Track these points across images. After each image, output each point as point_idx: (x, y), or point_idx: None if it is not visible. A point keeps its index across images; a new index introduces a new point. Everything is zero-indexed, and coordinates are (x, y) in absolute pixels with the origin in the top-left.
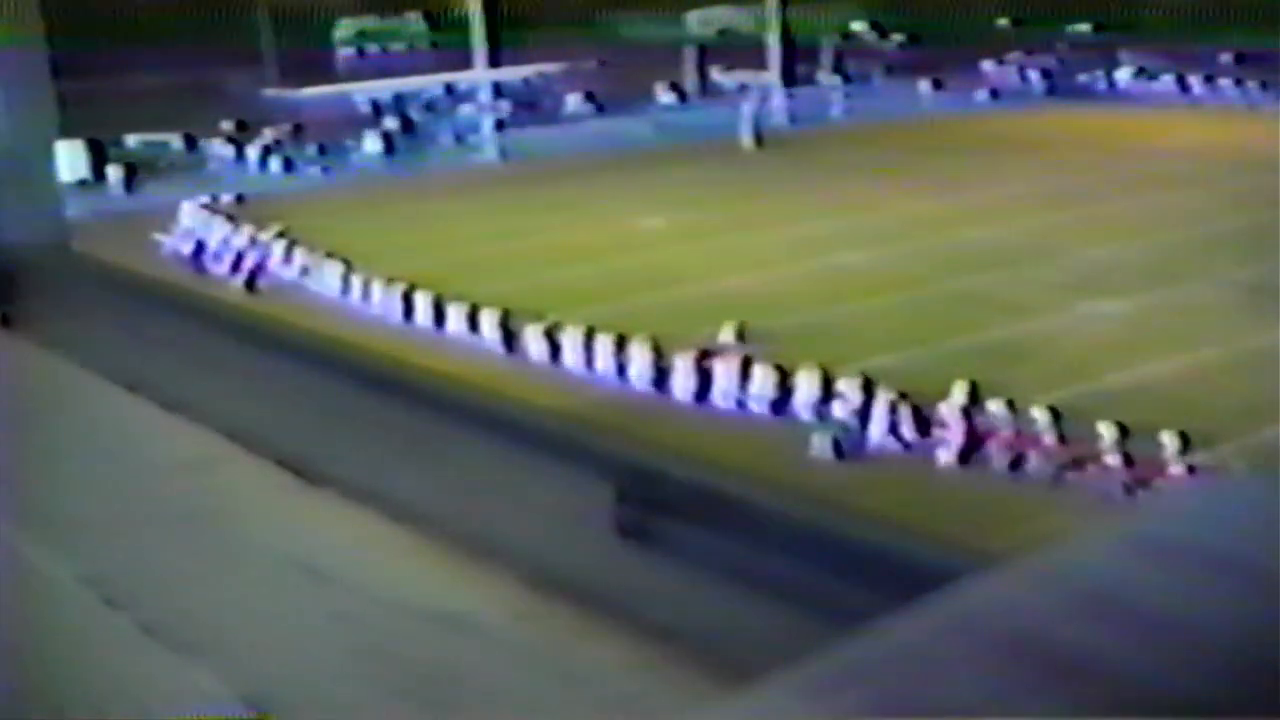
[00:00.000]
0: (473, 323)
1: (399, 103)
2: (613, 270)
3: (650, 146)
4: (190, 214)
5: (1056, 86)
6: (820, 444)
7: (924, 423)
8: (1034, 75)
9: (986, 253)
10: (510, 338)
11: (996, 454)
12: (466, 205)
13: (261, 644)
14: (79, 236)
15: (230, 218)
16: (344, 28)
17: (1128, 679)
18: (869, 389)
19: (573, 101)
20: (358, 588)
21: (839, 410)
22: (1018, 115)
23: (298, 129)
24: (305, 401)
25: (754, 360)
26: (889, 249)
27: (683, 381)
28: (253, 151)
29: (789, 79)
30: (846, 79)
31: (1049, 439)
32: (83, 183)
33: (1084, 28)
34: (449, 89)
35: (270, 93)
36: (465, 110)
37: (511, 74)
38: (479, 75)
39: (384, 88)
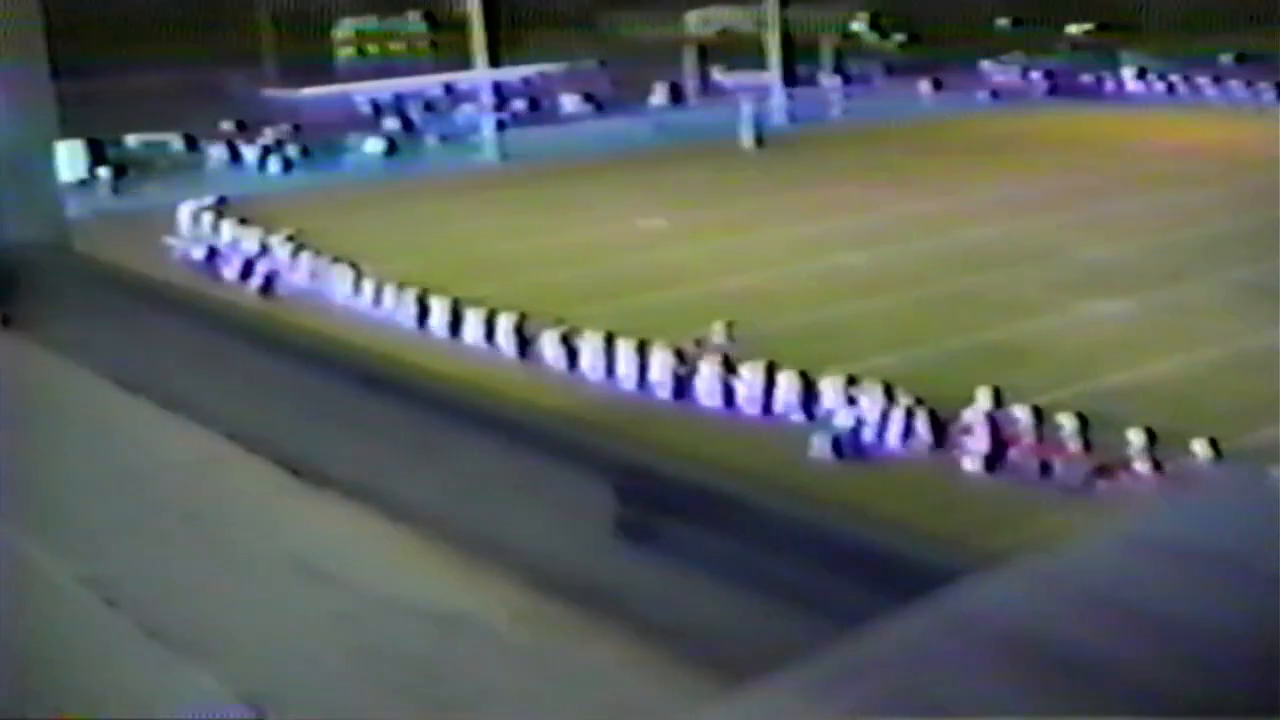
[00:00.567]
0: (467, 324)
1: (399, 103)
2: (613, 270)
3: (650, 146)
4: (190, 216)
5: (1057, 86)
6: (820, 444)
7: (941, 427)
8: (1034, 75)
9: (986, 253)
10: (524, 344)
11: (1023, 460)
12: (466, 205)
13: (262, 644)
14: (80, 236)
15: (244, 221)
16: (344, 28)
17: (1127, 679)
18: (890, 393)
19: (572, 102)
20: (358, 588)
21: (845, 415)
22: (1018, 115)
23: (298, 129)
24: (306, 401)
25: (774, 366)
26: (889, 249)
27: (707, 387)
28: (251, 152)
29: (789, 79)
30: (846, 79)
31: (1075, 445)
32: (83, 182)
33: (1084, 28)
34: (449, 89)
35: (270, 93)
36: (465, 110)
37: (511, 74)
38: (479, 75)
39: (384, 88)
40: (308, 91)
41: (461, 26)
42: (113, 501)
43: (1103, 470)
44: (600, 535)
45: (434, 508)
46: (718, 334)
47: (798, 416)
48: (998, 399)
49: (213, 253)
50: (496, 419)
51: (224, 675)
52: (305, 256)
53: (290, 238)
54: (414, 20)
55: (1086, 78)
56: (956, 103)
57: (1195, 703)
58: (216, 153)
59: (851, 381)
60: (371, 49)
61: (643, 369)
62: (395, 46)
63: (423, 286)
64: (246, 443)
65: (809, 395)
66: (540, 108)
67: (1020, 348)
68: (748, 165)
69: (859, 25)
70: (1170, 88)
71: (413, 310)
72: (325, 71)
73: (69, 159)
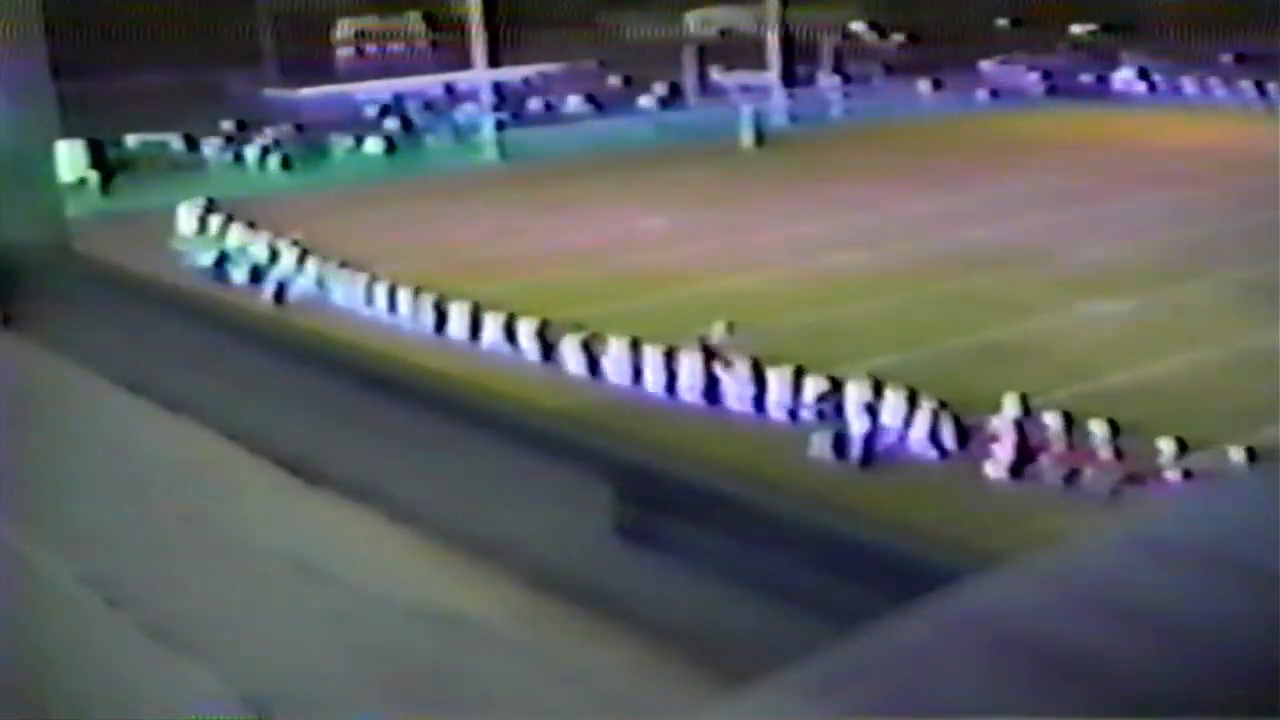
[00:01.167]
0: (486, 328)
1: (399, 103)
2: (613, 270)
3: (650, 146)
4: (189, 217)
5: (1057, 86)
6: (820, 444)
7: (964, 432)
8: (1034, 75)
9: (986, 253)
10: (548, 349)
11: (1049, 468)
12: (466, 205)
13: (262, 644)
14: (80, 236)
15: (252, 224)
16: (344, 28)
17: (1127, 679)
18: (913, 398)
19: (573, 101)
20: (358, 588)
21: (857, 418)
22: (1018, 115)
23: (298, 129)
24: (306, 402)
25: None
26: (889, 249)
27: (735, 389)
28: (251, 152)
29: (789, 79)
30: (846, 79)
31: (1105, 453)
32: (83, 181)
33: (1085, 28)
34: (449, 89)
35: (270, 93)
36: (465, 110)
37: (511, 74)
38: (479, 75)
39: (384, 88)
40: (307, 91)
41: (461, 26)
42: (113, 501)
43: (1133, 478)
44: (600, 535)
45: (434, 507)
46: (718, 334)
47: (811, 417)
48: (1025, 405)
49: (223, 257)
50: (497, 419)
51: (224, 674)
52: (312, 261)
53: (296, 241)
54: (414, 20)
55: (1086, 78)
56: (956, 103)
57: (1195, 702)
58: (216, 153)
59: (877, 387)
60: (371, 49)
61: (671, 372)
62: (395, 47)
63: (416, 286)
64: (247, 442)
65: (826, 396)
66: (540, 108)
67: (1020, 347)
68: (748, 165)
69: (859, 25)
70: (1170, 88)
71: (431, 317)
72: (325, 71)
73: (69, 159)
